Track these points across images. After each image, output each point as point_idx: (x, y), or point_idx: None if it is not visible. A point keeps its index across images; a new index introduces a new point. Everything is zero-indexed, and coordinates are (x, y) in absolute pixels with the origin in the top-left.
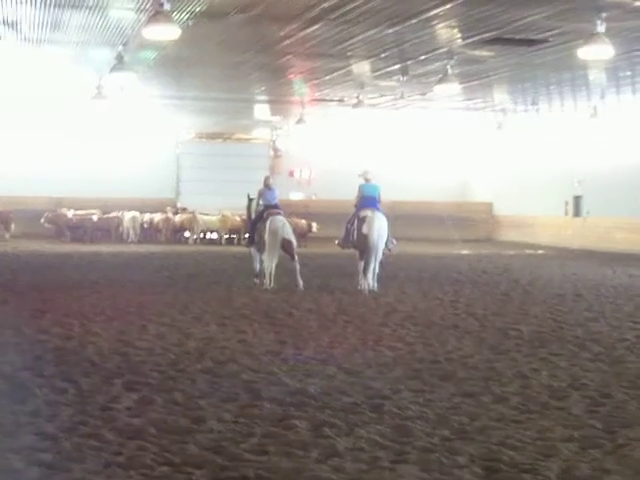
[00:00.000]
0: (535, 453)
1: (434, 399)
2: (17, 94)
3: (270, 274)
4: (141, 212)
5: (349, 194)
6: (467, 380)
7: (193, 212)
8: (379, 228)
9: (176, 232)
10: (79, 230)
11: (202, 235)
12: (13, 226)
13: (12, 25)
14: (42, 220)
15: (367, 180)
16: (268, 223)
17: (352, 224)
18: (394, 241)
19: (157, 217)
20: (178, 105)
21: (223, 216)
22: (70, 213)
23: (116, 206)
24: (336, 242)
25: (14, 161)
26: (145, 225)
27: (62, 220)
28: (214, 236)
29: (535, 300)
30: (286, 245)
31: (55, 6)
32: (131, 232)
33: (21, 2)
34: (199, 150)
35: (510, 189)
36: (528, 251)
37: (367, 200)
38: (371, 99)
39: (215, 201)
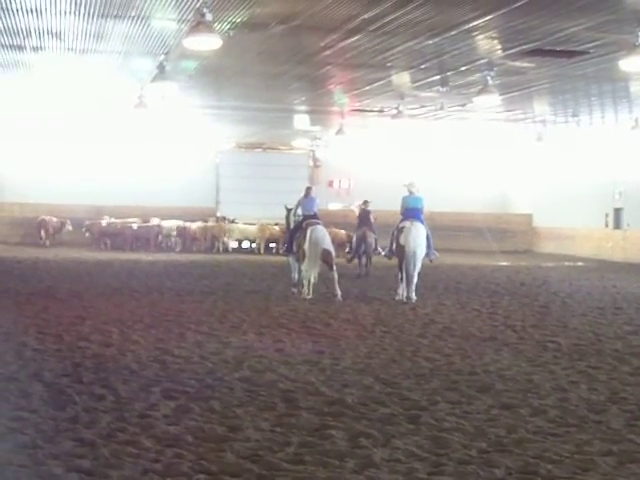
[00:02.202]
0: (573, 467)
1: (471, 411)
2: (60, 104)
3: (309, 284)
4: (184, 221)
5: (388, 204)
6: (505, 392)
7: (219, 220)
8: (416, 238)
9: (213, 241)
10: (118, 238)
11: (238, 244)
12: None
13: (56, 35)
14: (83, 229)
15: (410, 192)
16: (309, 233)
17: (393, 235)
18: (435, 252)
19: (195, 226)
20: (218, 115)
21: (261, 225)
22: (109, 221)
23: (156, 215)
24: (382, 253)
25: (57, 170)
26: (181, 233)
27: (102, 228)
28: (252, 245)
29: (574, 312)
30: (325, 255)
31: (99, 16)
32: (173, 240)
33: (65, 13)
34: (239, 159)
35: (550, 201)
36: (567, 263)
37: (409, 212)
38: (411, 110)
39: (254, 210)
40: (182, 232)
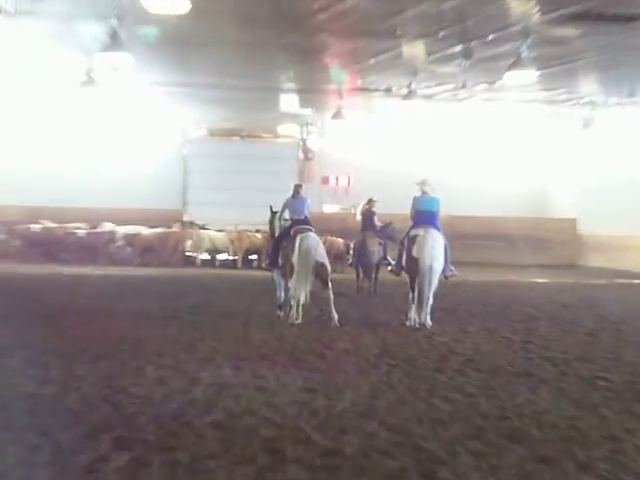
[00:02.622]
0: None
1: (501, 465)
2: None
3: (298, 305)
4: (149, 227)
5: (397, 207)
6: (542, 442)
7: (185, 225)
8: (432, 249)
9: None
10: (57, 247)
11: (210, 256)
12: None
13: None
14: (1, 236)
15: (424, 192)
16: (298, 242)
17: (402, 245)
18: (452, 268)
19: (148, 232)
20: (185, 95)
21: (239, 232)
22: (46, 226)
23: (109, 219)
24: (388, 268)
25: None
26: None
27: (32, 235)
28: (227, 257)
29: (629, 342)
30: (319, 270)
31: None
32: (128, 251)
33: None
34: (211, 150)
35: (599, 202)
36: (621, 280)
37: (422, 216)
38: (426, 89)
39: (230, 214)
40: (131, 241)
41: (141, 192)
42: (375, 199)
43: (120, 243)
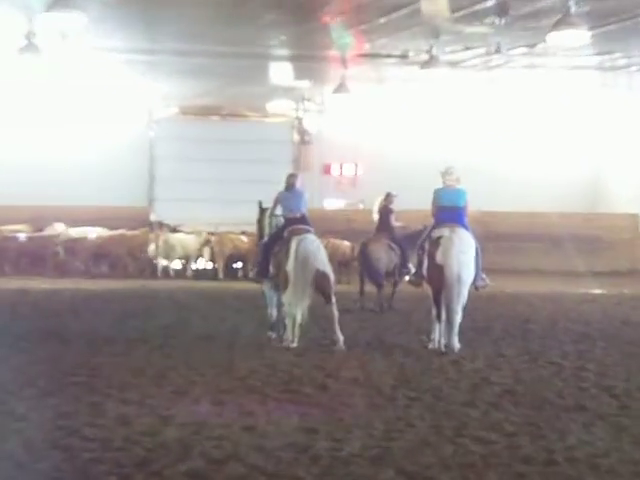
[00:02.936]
0: None
1: None
2: None
3: (294, 325)
4: (110, 228)
5: (416, 201)
6: None
7: (154, 227)
8: (460, 253)
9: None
10: None
11: (184, 265)
12: None
13: None
14: None
15: (448, 184)
16: (293, 247)
17: (423, 249)
18: (484, 276)
19: (96, 236)
20: (151, 64)
21: (220, 235)
22: None
23: (59, 219)
24: (406, 278)
25: None
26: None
27: None
28: (206, 266)
29: None
30: (319, 281)
31: None
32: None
33: None
34: (184, 133)
35: None
36: None
37: (446, 213)
38: (450, 54)
39: (209, 212)
40: (72, 247)
41: (98, 186)
42: (395, 193)
43: (58, 249)
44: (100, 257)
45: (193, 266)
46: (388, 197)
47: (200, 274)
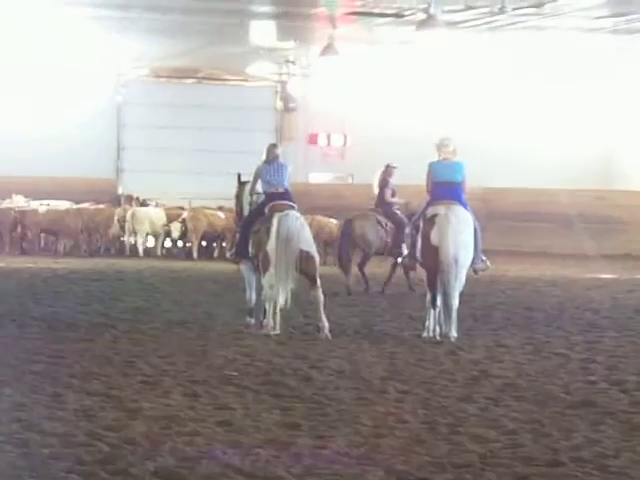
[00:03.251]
0: None
1: None
2: None
3: (276, 310)
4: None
5: (410, 175)
6: None
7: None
8: (457, 234)
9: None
10: None
11: (155, 243)
12: None
13: None
14: None
15: (445, 157)
16: (275, 224)
17: (416, 229)
18: (484, 258)
19: (43, 210)
20: (119, 20)
21: (194, 211)
22: None
23: (19, 190)
24: (398, 260)
25: None
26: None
27: None
28: (178, 244)
29: None
30: (304, 262)
31: None
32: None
33: None
34: (156, 98)
35: None
36: None
37: (441, 189)
38: (449, 14)
39: (182, 185)
40: (21, 221)
41: (61, 156)
42: (395, 165)
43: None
44: (52, 233)
45: (166, 244)
46: (387, 169)
47: (173, 253)
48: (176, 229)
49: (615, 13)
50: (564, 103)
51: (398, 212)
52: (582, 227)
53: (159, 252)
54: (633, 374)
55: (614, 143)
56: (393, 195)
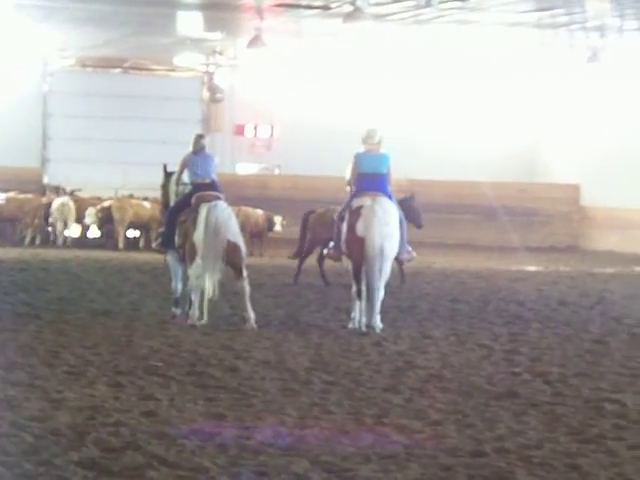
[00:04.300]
0: None
1: None
2: None
3: (202, 300)
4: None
5: (338, 168)
6: None
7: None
8: (382, 225)
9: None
10: None
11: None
12: None
13: None
14: None
15: (370, 148)
16: (203, 215)
17: (342, 220)
18: (409, 248)
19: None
20: (47, 9)
21: (120, 201)
22: None
23: None
24: (324, 251)
25: None
26: None
27: None
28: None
29: None
30: (230, 253)
31: None
32: None
33: None
34: (82, 88)
35: (610, 165)
36: (638, 268)
37: (367, 180)
38: (376, 6)
39: (108, 175)
40: None
41: None
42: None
43: None
44: None
45: (90, 234)
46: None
47: (97, 243)
48: (90, 215)
49: (539, 8)
50: (488, 97)
51: None
52: (506, 219)
53: (60, 241)
54: (556, 366)
55: (537, 136)
56: None
